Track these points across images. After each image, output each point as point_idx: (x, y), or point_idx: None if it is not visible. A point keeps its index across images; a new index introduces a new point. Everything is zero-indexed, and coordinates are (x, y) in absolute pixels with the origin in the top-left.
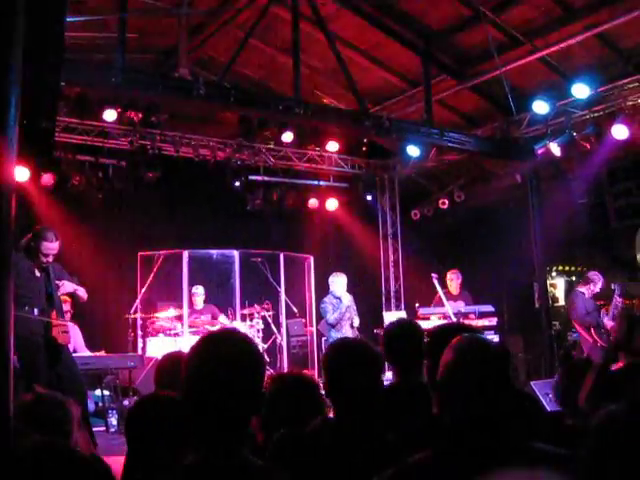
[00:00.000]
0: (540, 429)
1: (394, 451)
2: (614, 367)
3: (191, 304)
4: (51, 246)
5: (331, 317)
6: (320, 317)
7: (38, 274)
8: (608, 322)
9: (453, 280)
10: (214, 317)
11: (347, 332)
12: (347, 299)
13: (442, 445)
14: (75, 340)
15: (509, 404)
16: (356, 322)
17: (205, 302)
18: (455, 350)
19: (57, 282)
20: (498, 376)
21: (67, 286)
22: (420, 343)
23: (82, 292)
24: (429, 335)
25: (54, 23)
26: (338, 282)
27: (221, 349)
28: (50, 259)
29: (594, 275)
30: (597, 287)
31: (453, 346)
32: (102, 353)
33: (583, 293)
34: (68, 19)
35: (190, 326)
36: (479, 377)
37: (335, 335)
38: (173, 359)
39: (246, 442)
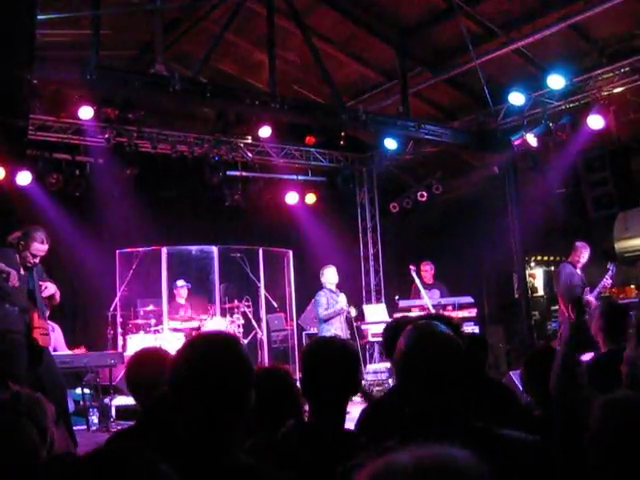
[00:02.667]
0: (514, 418)
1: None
2: (587, 357)
3: (174, 298)
4: (41, 248)
5: (323, 312)
6: (300, 311)
7: (22, 272)
8: (589, 299)
9: (427, 271)
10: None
11: (338, 326)
12: (344, 300)
13: (404, 434)
14: (56, 339)
15: (466, 391)
16: (353, 312)
17: (187, 298)
18: (406, 339)
19: (41, 283)
20: (450, 364)
21: (50, 288)
22: None
23: (58, 295)
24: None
25: (24, 20)
26: (328, 273)
27: (209, 351)
28: (37, 260)
29: (580, 245)
30: (583, 256)
31: (405, 335)
32: (82, 350)
33: (571, 264)
34: (40, 16)
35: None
36: (429, 366)
37: (327, 327)
38: (146, 356)
39: (238, 441)
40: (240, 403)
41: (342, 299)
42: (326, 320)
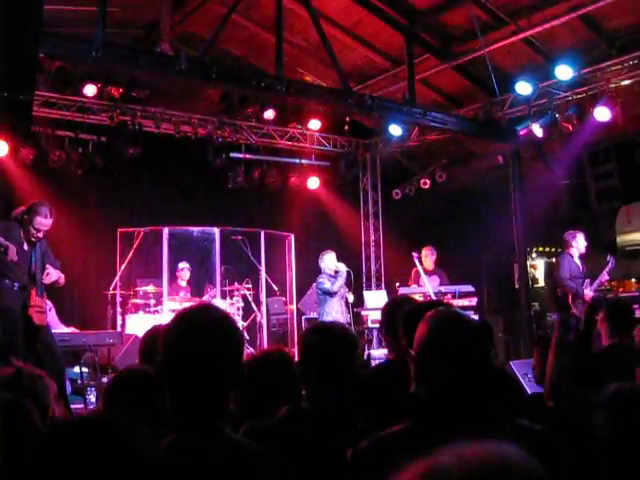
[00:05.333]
0: (521, 408)
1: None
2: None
3: (175, 280)
4: (45, 222)
5: (335, 287)
6: (300, 295)
7: (26, 247)
8: (587, 293)
9: (428, 256)
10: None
11: (338, 309)
12: (344, 267)
13: (418, 418)
14: (51, 318)
15: (487, 379)
16: (351, 298)
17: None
18: (429, 324)
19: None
20: (474, 350)
21: (52, 275)
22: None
23: (62, 279)
24: (408, 312)
25: None
26: (328, 259)
27: (197, 324)
28: (41, 235)
29: (568, 234)
30: (579, 244)
31: (427, 320)
32: (73, 329)
33: (571, 255)
34: None
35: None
36: (454, 351)
37: (327, 311)
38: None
39: (227, 419)
40: (228, 378)
41: (342, 266)
42: (334, 294)
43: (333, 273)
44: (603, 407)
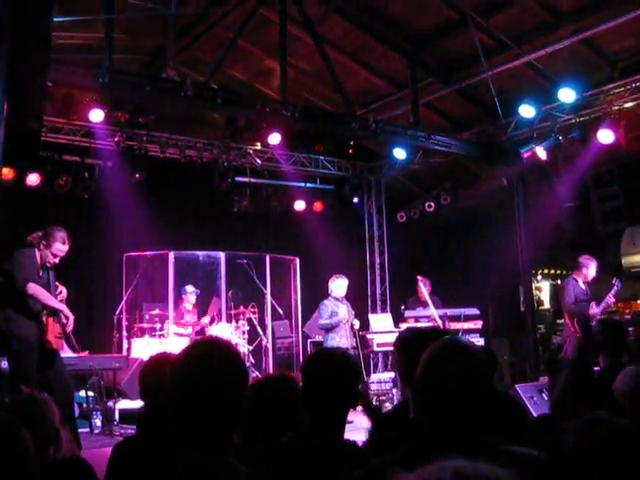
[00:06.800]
0: (523, 432)
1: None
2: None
3: (180, 303)
4: (63, 248)
5: (322, 322)
6: (306, 319)
7: (41, 273)
8: (594, 312)
9: (423, 286)
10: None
11: (343, 334)
12: (343, 311)
13: (413, 445)
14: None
15: (485, 406)
16: (357, 324)
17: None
18: (432, 351)
19: (57, 284)
20: (474, 378)
21: (64, 293)
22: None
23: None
24: (402, 339)
25: (40, 22)
26: (338, 284)
27: (205, 358)
28: (57, 260)
29: (584, 259)
30: (590, 271)
31: (432, 347)
32: (85, 353)
33: (576, 280)
34: (55, 19)
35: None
36: (453, 378)
37: (332, 336)
38: (158, 361)
39: (231, 448)
40: (233, 411)
41: (342, 310)
42: (327, 329)
43: (340, 298)
44: (573, 430)
